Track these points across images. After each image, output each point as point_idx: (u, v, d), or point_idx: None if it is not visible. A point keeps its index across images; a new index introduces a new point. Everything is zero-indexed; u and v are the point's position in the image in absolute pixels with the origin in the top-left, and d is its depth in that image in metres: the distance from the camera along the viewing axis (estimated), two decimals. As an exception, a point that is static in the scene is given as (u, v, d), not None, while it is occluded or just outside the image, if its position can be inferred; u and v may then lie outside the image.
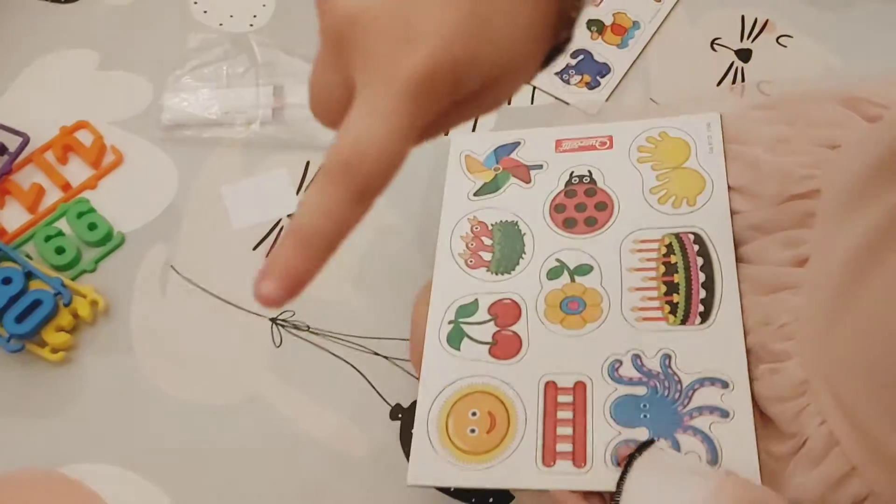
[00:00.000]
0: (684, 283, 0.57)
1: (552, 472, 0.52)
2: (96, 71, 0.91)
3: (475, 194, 0.65)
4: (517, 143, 0.68)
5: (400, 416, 0.73)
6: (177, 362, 0.76)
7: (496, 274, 0.61)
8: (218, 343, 0.77)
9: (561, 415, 0.54)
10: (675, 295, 0.56)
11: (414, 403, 0.58)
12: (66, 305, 0.75)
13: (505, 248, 0.62)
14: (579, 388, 0.54)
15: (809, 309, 0.50)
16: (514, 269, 0.61)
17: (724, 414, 0.51)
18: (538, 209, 0.63)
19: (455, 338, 0.58)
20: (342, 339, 0.77)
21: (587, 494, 0.50)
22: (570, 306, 0.58)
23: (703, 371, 0.53)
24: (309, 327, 0.77)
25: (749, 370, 0.52)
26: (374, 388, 0.75)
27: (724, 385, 0.52)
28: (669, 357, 0.54)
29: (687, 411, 0.52)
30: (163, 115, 0.86)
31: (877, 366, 0.43)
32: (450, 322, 0.59)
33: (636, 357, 0.55)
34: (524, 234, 0.62)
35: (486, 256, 0.62)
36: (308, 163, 0.85)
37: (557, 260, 0.60)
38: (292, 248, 0.28)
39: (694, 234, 0.58)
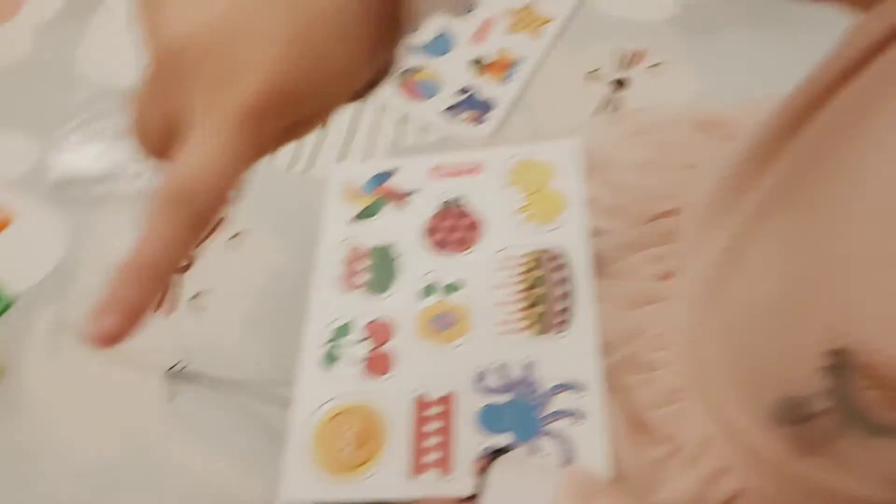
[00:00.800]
0: (545, 293, 0.61)
1: (420, 481, 0.55)
2: (-18, 132, 0.91)
3: (354, 218, 0.69)
4: (392, 172, 0.71)
5: (297, 457, 0.74)
6: (70, 417, 0.76)
7: (370, 293, 0.64)
8: (112, 399, 0.77)
9: (429, 427, 0.57)
10: (536, 307, 0.61)
11: None
12: (-46, 371, 0.74)
13: (379, 270, 0.65)
14: (447, 402, 0.57)
15: (677, 318, 0.53)
16: (387, 290, 0.64)
17: (580, 416, 0.55)
18: (412, 232, 0.67)
19: (329, 359, 0.61)
20: (236, 385, 0.77)
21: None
22: (440, 323, 0.62)
23: (561, 378, 0.57)
24: (203, 376, 0.78)
25: (624, 381, 0.56)
26: (272, 430, 0.75)
27: (580, 389, 0.56)
28: (530, 366, 0.58)
29: (546, 416, 0.56)
30: (50, 173, 0.86)
31: (738, 365, 0.46)
32: (325, 343, 0.62)
33: (501, 367, 0.58)
34: (398, 255, 0.66)
35: (362, 279, 0.65)
36: (199, 212, 0.85)
37: (429, 279, 0.64)
38: (130, 281, 0.28)
39: (555, 251, 0.63)
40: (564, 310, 0.60)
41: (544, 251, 0.63)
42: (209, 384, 0.78)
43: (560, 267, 0.62)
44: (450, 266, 0.64)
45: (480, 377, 0.58)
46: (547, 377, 0.57)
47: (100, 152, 0.86)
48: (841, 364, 0.37)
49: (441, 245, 0.65)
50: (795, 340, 0.40)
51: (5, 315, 0.80)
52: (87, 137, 0.87)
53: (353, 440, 0.57)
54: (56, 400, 0.76)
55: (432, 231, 0.67)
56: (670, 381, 0.53)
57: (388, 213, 0.69)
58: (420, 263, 0.65)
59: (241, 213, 0.87)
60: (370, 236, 0.67)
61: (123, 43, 0.97)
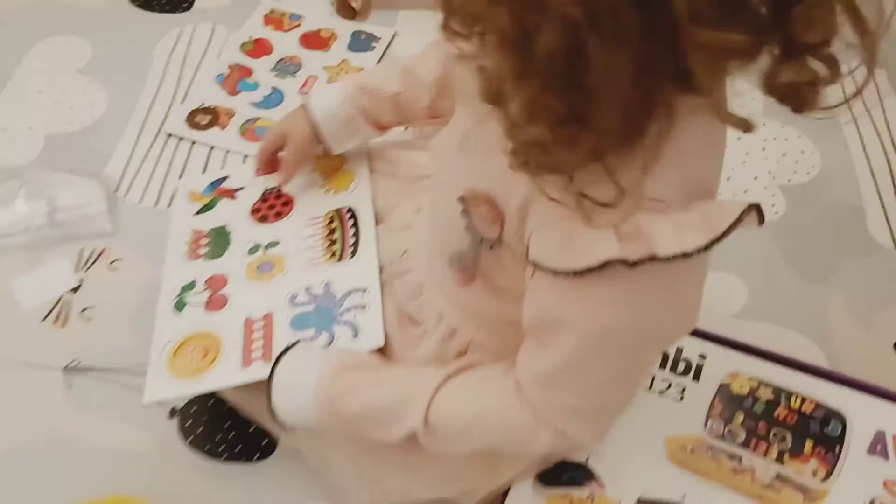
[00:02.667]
0: (340, 236, 0.80)
1: (249, 370, 0.71)
2: None
3: (196, 213, 0.86)
4: (225, 177, 0.90)
5: (176, 414, 0.90)
6: (-14, 417, 0.90)
7: (209, 260, 0.82)
8: (22, 397, 0.92)
9: (255, 336, 0.74)
10: (334, 246, 0.80)
11: (187, 403, 0.83)
12: None
13: (215, 243, 0.83)
14: (268, 317, 0.75)
15: (419, 233, 0.72)
16: (222, 255, 0.82)
17: (362, 307, 0.74)
18: (241, 214, 0.85)
19: (179, 306, 0.78)
20: (121, 370, 0.93)
21: None
22: (263, 269, 0.80)
23: (352, 286, 0.76)
24: (92, 368, 0.94)
25: (392, 286, 0.74)
26: (151, 398, 0.91)
27: (364, 291, 0.75)
28: (328, 283, 0.77)
29: (340, 311, 0.74)
30: (-46, 237, 1.03)
31: (440, 250, 0.65)
32: (175, 298, 0.78)
33: (307, 288, 0.77)
34: (230, 232, 0.84)
35: (203, 251, 0.83)
36: (81, 250, 1.03)
37: (254, 243, 0.82)
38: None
39: (348, 208, 0.83)
40: (354, 243, 0.79)
41: (339, 209, 0.83)
42: (98, 374, 0.94)
43: (351, 217, 0.82)
44: (269, 232, 0.83)
45: (293, 297, 0.76)
46: (340, 288, 0.76)
47: (-5, 215, 1.04)
48: (466, 208, 0.58)
49: (262, 219, 0.84)
50: (454, 218, 0.60)
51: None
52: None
53: (198, 354, 0.74)
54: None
55: (256, 212, 0.85)
56: (414, 279, 0.72)
57: (223, 206, 0.87)
58: (247, 234, 0.83)
59: (117, 243, 1.04)
60: (208, 223, 0.85)
61: (9, 135, 1.16)
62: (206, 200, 0.88)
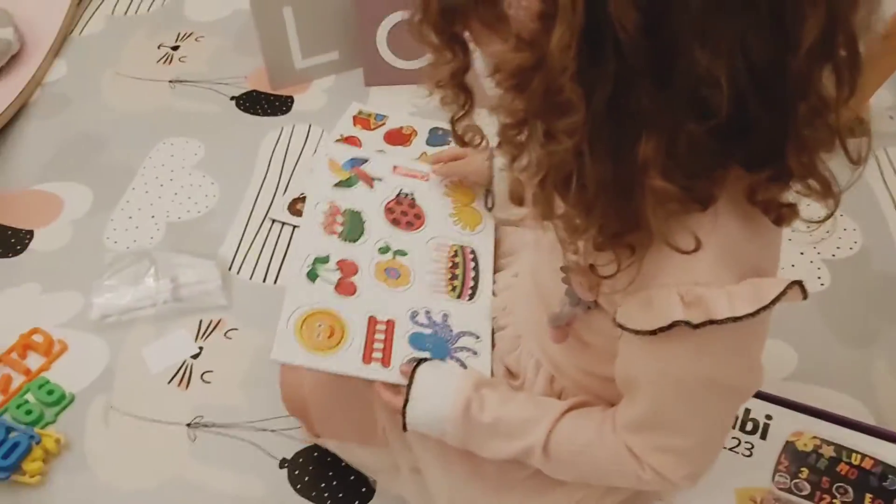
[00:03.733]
0: (461, 273, 0.87)
1: (368, 367, 0.76)
2: (40, 295, 1.20)
3: (335, 185, 0.90)
4: (366, 160, 0.95)
5: (286, 465, 0.99)
6: (122, 466, 1.01)
7: (344, 241, 0.85)
8: (151, 448, 1.02)
9: (377, 336, 0.79)
10: (455, 281, 0.86)
11: (295, 454, 0.89)
12: (38, 444, 0.99)
13: (351, 227, 0.87)
14: (390, 324, 0.80)
15: (518, 293, 0.82)
16: (356, 241, 0.86)
17: (475, 353, 0.80)
18: (376, 207, 0.90)
19: (312, 276, 0.82)
20: (238, 426, 1.03)
21: (393, 386, 0.76)
22: (390, 273, 0.85)
23: (466, 327, 0.82)
24: (213, 423, 1.03)
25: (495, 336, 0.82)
26: (264, 451, 1.00)
27: (477, 337, 0.81)
28: (447, 315, 0.82)
29: (454, 348, 0.80)
30: (92, 312, 1.15)
31: (540, 314, 0.74)
32: (308, 266, 0.83)
33: (427, 312, 0.83)
34: (365, 221, 0.88)
35: (338, 229, 0.87)
36: (200, 321, 1.15)
37: (385, 243, 0.87)
38: None
39: (470, 248, 0.90)
40: (473, 287, 0.86)
41: (464, 246, 0.89)
42: (217, 429, 1.03)
43: (473, 258, 0.89)
44: (400, 238, 0.88)
45: (414, 314, 0.82)
46: (456, 325, 0.82)
47: (126, 292, 1.16)
48: (567, 276, 0.67)
49: (395, 222, 0.89)
50: (556, 282, 0.69)
51: (69, 407, 1.06)
52: (115, 284, 1.17)
53: (325, 332, 0.78)
54: (111, 456, 1.02)
55: (390, 211, 0.90)
56: (514, 332, 0.81)
57: (360, 190, 0.91)
58: (380, 230, 0.88)
59: (231, 315, 1.15)
60: (345, 201, 0.90)
61: (135, 223, 1.30)
62: (345, 176, 0.92)
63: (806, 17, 0.47)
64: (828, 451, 0.89)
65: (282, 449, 1.01)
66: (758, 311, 0.55)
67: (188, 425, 1.04)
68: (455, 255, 0.89)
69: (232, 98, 1.49)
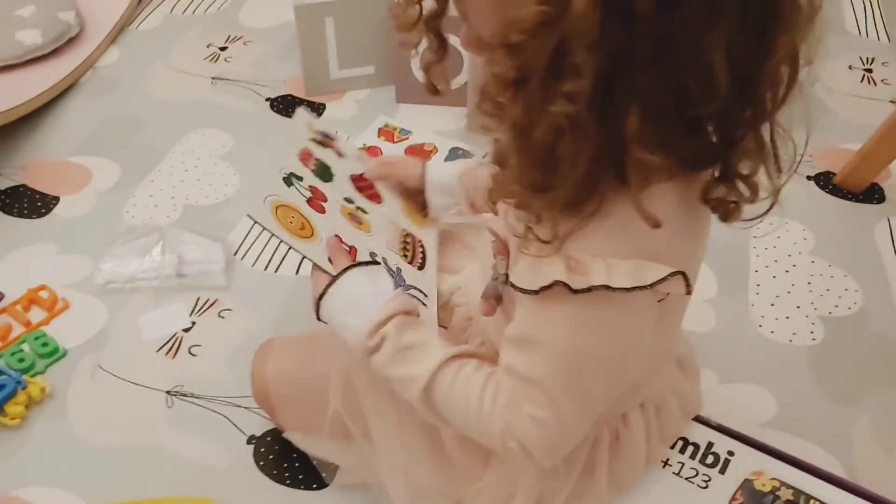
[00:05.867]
0: (411, 249, 0.86)
1: (331, 266, 0.79)
2: (55, 255, 1.25)
3: (310, 139, 0.88)
4: (335, 137, 0.91)
5: (253, 441, 1.01)
6: (98, 422, 1.04)
7: (316, 177, 0.87)
8: (130, 410, 1.05)
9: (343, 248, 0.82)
10: (406, 251, 0.86)
11: (264, 433, 0.95)
12: (23, 389, 1.03)
13: (320, 170, 0.88)
14: (353, 249, 0.83)
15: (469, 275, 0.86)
16: (325, 183, 0.87)
17: (423, 305, 0.80)
18: (343, 171, 0.88)
19: (287, 182, 0.86)
20: (215, 399, 1.05)
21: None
22: (353, 218, 0.86)
23: (416, 283, 0.82)
24: (191, 394, 1.06)
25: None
26: (235, 426, 1.02)
27: (424, 295, 0.81)
28: (399, 269, 0.82)
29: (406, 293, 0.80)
30: (98, 276, 1.20)
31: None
32: (285, 174, 0.86)
33: (384, 259, 0.83)
34: (333, 175, 0.88)
35: (311, 166, 0.88)
36: (198, 298, 1.18)
37: (350, 195, 0.87)
38: None
39: (420, 238, 0.88)
40: (422, 263, 0.86)
41: (413, 234, 0.88)
42: (194, 400, 1.06)
43: (421, 246, 0.88)
44: (363, 201, 0.88)
45: (373, 254, 0.82)
46: (408, 278, 0.82)
47: (133, 262, 1.21)
48: (494, 249, 0.70)
49: (359, 189, 0.89)
50: (489, 258, 0.72)
51: (60, 361, 1.10)
52: (123, 253, 1.22)
53: (297, 224, 0.83)
54: (90, 411, 1.05)
55: (354, 179, 0.89)
56: (466, 312, 0.83)
57: (330, 153, 0.89)
58: (345, 186, 0.88)
59: (228, 296, 1.19)
60: (318, 153, 0.88)
61: (155, 202, 1.35)
62: (318, 138, 0.92)
63: (782, 32, 0.52)
64: (786, 494, 0.87)
65: (252, 426, 1.03)
66: (633, 289, 0.58)
67: (168, 392, 1.07)
68: (407, 237, 0.90)
69: (267, 99, 1.55)
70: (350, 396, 0.84)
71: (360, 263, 0.80)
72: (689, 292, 0.62)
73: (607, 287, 0.58)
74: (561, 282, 0.59)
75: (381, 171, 0.95)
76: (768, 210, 0.59)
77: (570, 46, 0.49)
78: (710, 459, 0.90)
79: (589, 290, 0.58)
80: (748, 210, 0.61)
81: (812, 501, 0.87)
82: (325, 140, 0.94)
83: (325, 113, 1.52)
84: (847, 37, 1.69)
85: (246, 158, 1.43)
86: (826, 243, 1.26)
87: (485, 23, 0.58)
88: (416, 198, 0.96)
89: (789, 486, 0.88)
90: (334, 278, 0.78)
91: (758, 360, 1.10)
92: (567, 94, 0.51)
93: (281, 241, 0.87)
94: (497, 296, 0.73)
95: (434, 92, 0.71)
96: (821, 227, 1.29)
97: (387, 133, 1.49)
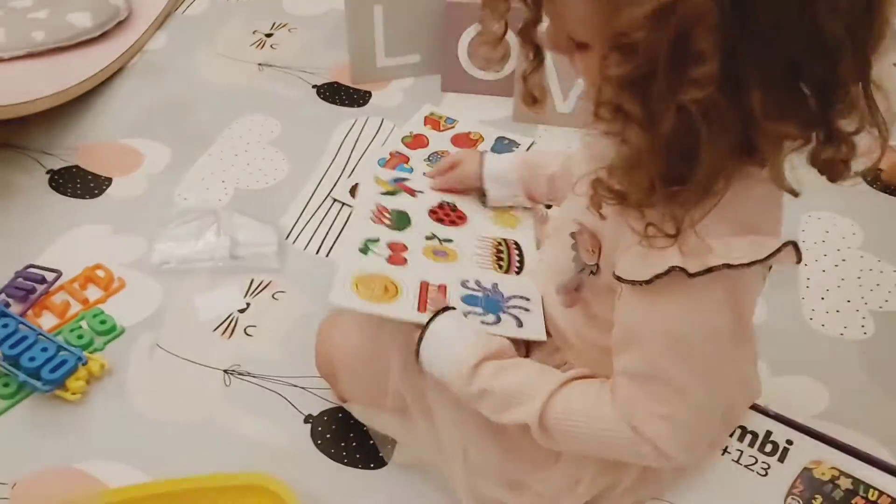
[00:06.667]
0: (506, 257, 0.91)
1: (422, 315, 0.79)
2: (110, 235, 1.27)
3: (381, 194, 0.98)
4: (406, 179, 1.02)
5: (310, 420, 1.02)
6: (157, 399, 1.05)
7: (391, 229, 0.91)
8: (188, 387, 1.06)
9: (430, 293, 0.83)
10: (501, 261, 0.90)
11: (321, 412, 0.96)
12: (84, 365, 1.05)
13: (398, 220, 0.93)
14: (442, 287, 0.84)
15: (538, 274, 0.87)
16: (403, 230, 0.92)
17: (526, 309, 0.83)
18: (421, 210, 0.95)
19: (363, 251, 0.88)
20: (271, 379, 1.06)
21: None
22: (438, 254, 0.89)
23: (516, 292, 0.85)
24: (248, 373, 1.07)
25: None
26: (292, 404, 1.03)
27: (527, 300, 0.84)
28: (496, 284, 0.86)
29: (506, 306, 0.83)
30: (153, 257, 1.21)
31: (552, 283, 0.78)
32: (360, 244, 0.88)
33: (477, 280, 0.86)
34: (411, 218, 0.94)
35: (386, 221, 0.93)
36: (252, 280, 1.19)
37: (432, 233, 0.92)
38: None
39: (515, 240, 0.94)
40: (519, 267, 0.90)
41: (506, 239, 0.93)
42: (251, 379, 1.07)
43: (517, 248, 0.93)
44: (446, 231, 0.93)
45: (464, 282, 0.86)
46: (507, 290, 0.85)
47: (189, 243, 1.22)
48: (575, 241, 0.71)
49: (439, 220, 0.95)
50: (566, 250, 0.73)
51: (118, 338, 1.11)
52: (179, 234, 1.23)
53: (380, 289, 0.82)
54: (148, 387, 1.06)
55: (434, 212, 0.96)
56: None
57: (404, 198, 0.97)
58: (426, 224, 0.93)
59: (281, 279, 1.20)
60: (392, 204, 0.95)
61: (206, 185, 1.36)
62: (389, 188, 0.98)
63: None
64: (845, 483, 0.87)
65: (309, 405, 1.04)
66: (753, 263, 0.58)
67: (225, 371, 1.08)
68: (500, 245, 0.92)
69: (314, 86, 1.56)
70: (410, 374, 0.84)
71: (446, 309, 0.79)
72: (799, 261, 0.62)
73: (727, 266, 0.58)
74: (677, 267, 0.58)
75: (442, 183, 0.98)
76: (876, 163, 0.58)
77: (690, 33, 0.49)
78: (768, 448, 0.91)
79: (707, 271, 0.58)
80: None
81: (871, 491, 0.87)
82: (398, 186, 1.00)
83: (371, 100, 1.53)
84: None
85: (294, 143, 1.44)
86: (875, 239, 1.26)
87: (585, 28, 0.58)
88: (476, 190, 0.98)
89: (849, 476, 0.88)
90: (423, 330, 0.77)
91: (809, 353, 1.10)
92: (695, 80, 0.50)
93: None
94: (577, 287, 0.73)
95: (533, 103, 0.70)
96: (869, 222, 1.28)
97: (433, 122, 1.49)
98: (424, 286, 0.84)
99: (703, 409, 0.67)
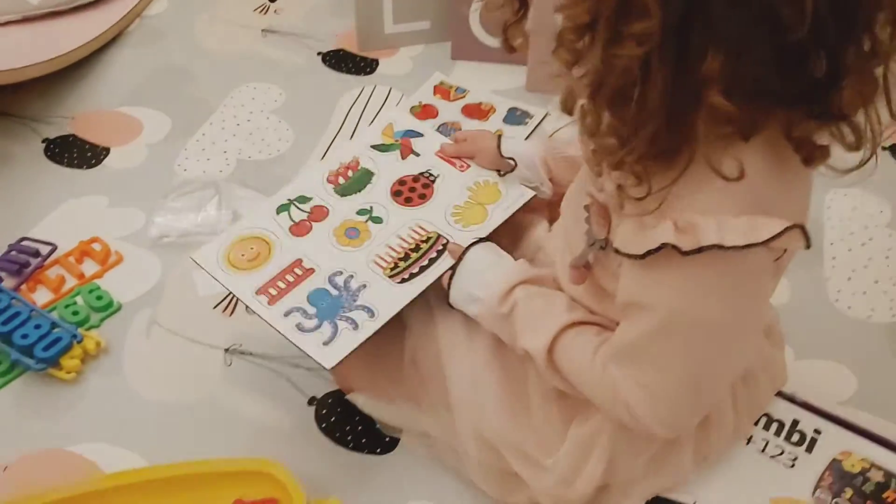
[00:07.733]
0: (414, 258, 0.85)
1: (255, 298, 0.83)
2: (106, 207, 1.22)
3: (372, 146, 0.94)
4: (421, 135, 0.97)
5: (314, 402, 0.98)
6: (155, 378, 1.01)
7: (334, 193, 0.90)
8: (187, 366, 1.02)
9: (287, 277, 0.84)
10: (402, 262, 0.84)
11: (325, 394, 0.94)
12: (79, 343, 1.00)
13: (352, 183, 0.91)
14: (308, 272, 0.84)
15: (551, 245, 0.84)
16: (344, 196, 0.90)
17: (354, 327, 0.80)
18: (391, 176, 0.92)
19: (281, 209, 0.89)
20: (274, 358, 1.02)
21: None
22: (349, 233, 0.87)
23: (370, 304, 0.81)
24: (249, 353, 1.03)
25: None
26: (295, 386, 0.99)
27: (371, 315, 0.80)
28: (364, 286, 0.82)
29: (340, 315, 0.81)
30: (151, 230, 1.16)
31: (565, 258, 0.73)
32: (285, 200, 0.90)
33: (350, 277, 0.83)
34: (369, 183, 0.91)
35: (340, 181, 0.91)
36: (254, 255, 1.14)
37: (370, 206, 0.89)
38: None
39: (447, 239, 0.86)
40: (414, 274, 0.83)
41: (441, 237, 0.86)
42: (252, 359, 1.02)
43: (438, 253, 0.85)
44: (388, 208, 0.89)
45: (335, 274, 0.84)
46: (364, 298, 0.81)
47: (187, 216, 1.17)
48: (588, 214, 0.66)
49: (396, 194, 0.90)
50: (579, 223, 0.69)
51: (114, 315, 1.07)
52: (178, 207, 1.18)
53: (251, 255, 0.86)
54: (146, 366, 1.02)
55: (400, 183, 0.91)
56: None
57: (390, 156, 0.93)
58: (376, 195, 0.90)
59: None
60: (369, 161, 0.93)
61: (207, 155, 1.30)
62: (388, 141, 0.95)
63: None
64: (876, 476, 0.83)
65: (313, 387, 0.99)
66: (748, 246, 0.54)
67: (226, 350, 1.03)
68: (425, 241, 0.86)
69: (319, 53, 1.49)
70: (421, 357, 0.83)
71: (482, 240, 0.81)
72: (808, 246, 0.58)
73: (719, 246, 0.54)
74: (669, 244, 0.55)
75: (455, 148, 0.95)
76: (867, 160, 0.55)
77: None
78: (795, 437, 0.86)
79: (699, 251, 0.55)
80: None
81: (904, 483, 0.83)
82: (401, 142, 0.96)
83: (378, 68, 1.47)
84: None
85: (298, 113, 1.38)
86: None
87: None
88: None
89: (880, 468, 0.84)
90: (460, 257, 0.79)
91: (835, 337, 1.05)
92: (636, 35, 0.48)
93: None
94: (586, 263, 0.69)
95: (511, 50, 0.68)
96: (897, 199, 1.23)
97: (443, 91, 1.43)
98: (292, 266, 0.84)
99: (683, 390, 0.64)
